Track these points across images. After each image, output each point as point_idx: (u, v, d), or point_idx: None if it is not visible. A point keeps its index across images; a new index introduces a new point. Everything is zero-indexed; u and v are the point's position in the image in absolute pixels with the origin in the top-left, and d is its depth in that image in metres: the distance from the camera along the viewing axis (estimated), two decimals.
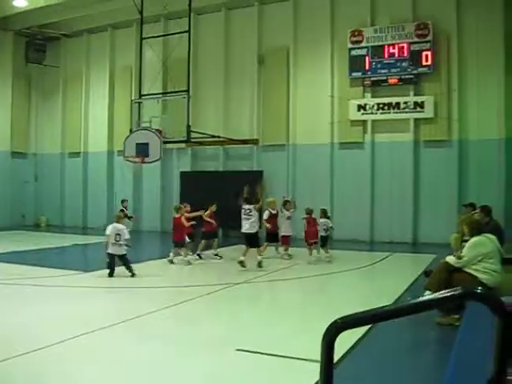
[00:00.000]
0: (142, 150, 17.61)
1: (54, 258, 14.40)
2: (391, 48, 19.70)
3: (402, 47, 19.50)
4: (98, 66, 25.94)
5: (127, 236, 11.48)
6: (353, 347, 5.96)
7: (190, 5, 18.03)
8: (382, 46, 19.81)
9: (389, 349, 6.38)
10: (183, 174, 23.18)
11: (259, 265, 12.47)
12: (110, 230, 11.51)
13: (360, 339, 6.18)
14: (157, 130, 17.92)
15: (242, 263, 12.24)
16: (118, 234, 11.39)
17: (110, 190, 25.22)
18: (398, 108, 19.51)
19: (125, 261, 11.44)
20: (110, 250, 11.39)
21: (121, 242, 11.39)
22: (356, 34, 20.20)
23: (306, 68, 21.41)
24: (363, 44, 20.10)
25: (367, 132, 20.23)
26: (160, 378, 5.34)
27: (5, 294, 9.54)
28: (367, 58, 20.02)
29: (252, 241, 12.61)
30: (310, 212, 14.34)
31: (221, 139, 21.25)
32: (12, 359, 5.62)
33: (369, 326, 5.80)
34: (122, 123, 23.60)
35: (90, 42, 26.42)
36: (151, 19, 20.35)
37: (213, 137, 20.65)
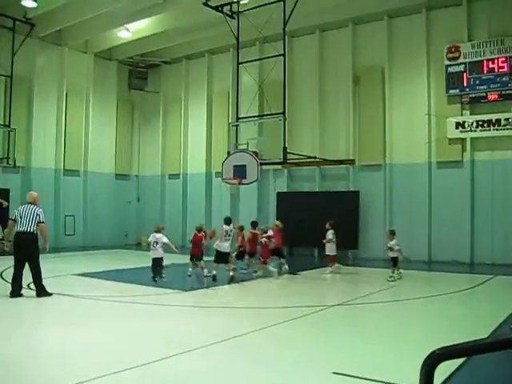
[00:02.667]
0: (240, 171, 17.93)
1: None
2: (490, 63, 19.13)
3: (502, 62, 18.90)
4: (197, 90, 26.83)
5: (165, 240, 13.77)
6: (449, 377, 5.80)
7: (284, 28, 18.32)
8: (481, 62, 19.29)
9: (487, 380, 6.16)
10: (280, 195, 23.41)
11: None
12: (150, 238, 14.04)
13: (458, 368, 6.00)
14: (253, 151, 18.20)
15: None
16: (156, 242, 13.68)
17: (208, 210, 25.83)
18: (499, 125, 18.84)
19: (158, 263, 13.59)
20: (151, 255, 13.71)
21: (157, 247, 13.63)
22: (453, 50, 19.80)
23: (401, 86, 21.18)
24: (460, 60, 19.66)
25: (466, 150, 19.68)
26: None
27: (106, 311, 10.07)
28: (465, 75, 19.56)
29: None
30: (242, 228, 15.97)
31: (317, 160, 21.33)
32: (110, 375, 5.90)
33: None
34: (220, 145, 24.24)
35: (188, 68, 27.41)
36: (247, 44, 20.80)
37: (309, 157, 20.75)
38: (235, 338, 7.80)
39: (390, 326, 9.20)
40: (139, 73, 28.13)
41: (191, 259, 14.61)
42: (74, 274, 15.16)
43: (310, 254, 21.67)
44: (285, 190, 23.52)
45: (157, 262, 13.63)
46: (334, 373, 6.07)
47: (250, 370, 6.34)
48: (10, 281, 11.26)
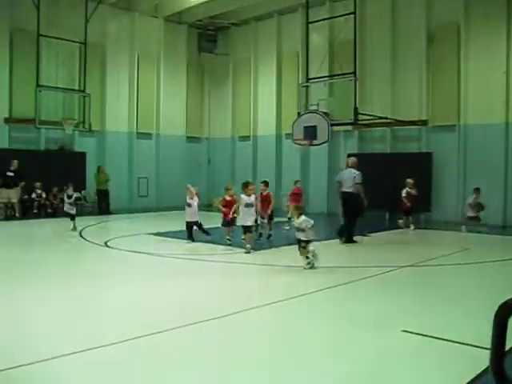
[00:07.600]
0: (310, 132, 17.85)
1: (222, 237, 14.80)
2: None
3: None
4: (266, 51, 26.64)
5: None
6: None
7: None
8: None
9: None
10: (350, 156, 23.08)
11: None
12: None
13: None
14: (324, 112, 18.05)
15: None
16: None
17: (279, 172, 25.87)
18: None
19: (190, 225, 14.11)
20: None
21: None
22: None
23: (478, 43, 20.26)
24: None
25: None
26: (329, 353, 5.52)
27: (180, 268, 10.56)
28: None
29: None
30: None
31: (388, 120, 20.89)
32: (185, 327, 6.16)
33: None
34: (290, 107, 24.03)
35: (257, 29, 27.16)
36: (316, 3, 20.44)
37: (380, 118, 20.35)
38: (304, 296, 7.90)
39: (463, 287, 9.06)
40: (208, 36, 28.23)
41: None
42: (148, 234, 15.62)
43: (381, 216, 21.38)
44: (355, 152, 23.20)
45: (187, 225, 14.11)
46: (404, 331, 6.07)
47: (321, 326, 6.44)
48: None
